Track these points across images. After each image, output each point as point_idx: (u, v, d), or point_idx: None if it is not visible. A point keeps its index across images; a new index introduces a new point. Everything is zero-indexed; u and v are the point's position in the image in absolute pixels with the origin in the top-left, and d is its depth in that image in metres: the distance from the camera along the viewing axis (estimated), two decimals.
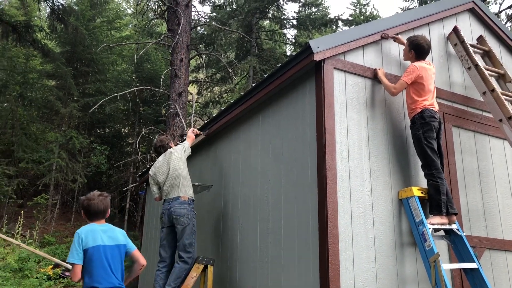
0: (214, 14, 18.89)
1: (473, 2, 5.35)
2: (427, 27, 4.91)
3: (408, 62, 4.44)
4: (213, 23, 17.01)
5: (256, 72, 18.03)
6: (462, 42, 4.88)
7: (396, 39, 4.41)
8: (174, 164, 5.13)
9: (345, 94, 3.99)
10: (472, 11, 5.39)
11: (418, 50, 4.16)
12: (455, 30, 4.97)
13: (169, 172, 5.12)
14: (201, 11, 31.04)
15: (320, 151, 3.72)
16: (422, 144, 3.91)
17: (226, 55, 16.75)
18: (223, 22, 16.74)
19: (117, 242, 3.49)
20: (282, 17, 19.77)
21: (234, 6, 18.38)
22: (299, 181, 3.98)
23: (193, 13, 16.14)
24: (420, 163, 4.06)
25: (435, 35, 4.96)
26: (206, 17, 17.76)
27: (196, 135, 5.85)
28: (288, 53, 25.92)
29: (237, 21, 17.70)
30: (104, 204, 3.57)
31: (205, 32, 18.14)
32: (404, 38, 4.52)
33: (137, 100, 13.00)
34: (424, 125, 3.94)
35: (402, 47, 4.46)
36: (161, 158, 5.35)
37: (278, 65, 4.40)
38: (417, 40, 4.17)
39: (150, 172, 5.40)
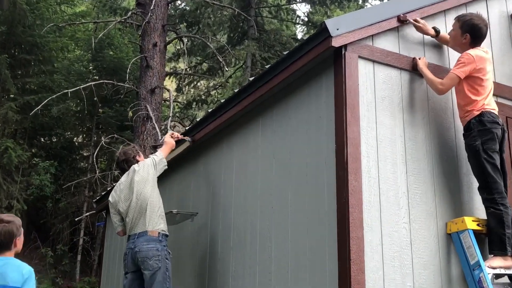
0: None
1: None
2: (484, 1, 4.96)
3: (452, 52, 4.47)
4: None
5: (255, 62, 18.14)
6: None
7: (419, 27, 4.29)
8: (138, 187, 5.10)
9: (374, 91, 4.02)
10: None
11: (474, 33, 4.19)
12: None
13: (132, 198, 5.09)
14: None
15: (341, 168, 3.73)
16: (481, 159, 3.93)
17: (215, 38, 16.88)
18: None
19: (5, 282, 3.48)
20: None
21: None
22: (313, 208, 3.98)
23: None
24: (476, 184, 4.08)
25: (495, 12, 5.01)
26: None
27: (178, 141, 5.81)
28: (299, 36, 26.11)
29: None
30: (5, 234, 3.60)
31: (188, 8, 18.29)
32: (449, 16, 4.56)
33: (95, 98, 13.04)
34: (484, 133, 3.96)
35: (449, 29, 4.49)
36: (123, 178, 5.35)
37: (285, 53, 4.44)
38: (472, 20, 4.20)
39: (110, 197, 5.40)
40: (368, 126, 3.89)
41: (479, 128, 3.98)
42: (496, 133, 3.99)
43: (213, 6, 15.27)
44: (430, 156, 4.10)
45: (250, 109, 5.08)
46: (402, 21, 4.30)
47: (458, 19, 4.30)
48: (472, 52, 4.12)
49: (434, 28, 4.39)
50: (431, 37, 4.40)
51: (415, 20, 4.32)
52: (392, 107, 4.07)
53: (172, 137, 5.64)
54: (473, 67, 4.05)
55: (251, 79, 4.99)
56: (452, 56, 4.51)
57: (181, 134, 5.95)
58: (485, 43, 4.65)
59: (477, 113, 4.03)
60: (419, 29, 4.33)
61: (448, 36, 4.41)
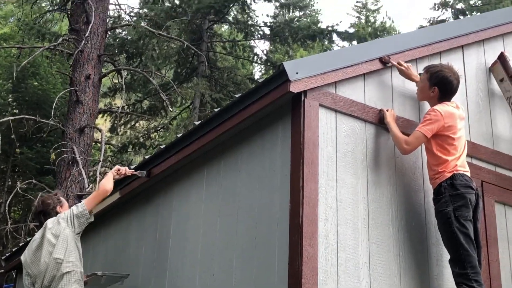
0: (145, 10, 19.25)
1: None
2: (460, 51, 5.18)
3: (425, 103, 4.61)
4: (143, 23, 17.29)
5: (204, 102, 18.28)
6: None
7: (402, 71, 4.53)
8: (48, 247, 4.88)
9: (336, 145, 4.09)
10: None
11: (444, 87, 4.31)
12: (502, 58, 5.27)
13: (42, 260, 4.87)
14: (124, 4, 31.56)
15: (295, 231, 3.73)
16: (452, 228, 3.97)
17: (159, 73, 16.92)
18: (158, 23, 17.03)
19: None
20: (249, 22, 20.39)
21: (176, 1, 18.83)
22: (261, 278, 3.95)
23: (112, 7, 16.41)
24: (447, 256, 4.13)
25: (472, 63, 5.23)
26: (132, 14, 18.06)
27: (123, 178, 5.53)
28: (257, 75, 26.55)
29: (179, 23, 18.07)
30: None
31: (129, 37, 18.36)
32: (421, 65, 4.72)
33: (12, 136, 12.76)
34: (456, 199, 4.02)
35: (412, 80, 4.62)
36: (37, 234, 5.17)
37: (237, 96, 4.49)
38: (442, 72, 4.33)
39: (22, 256, 5.22)
40: (327, 184, 3.93)
41: (450, 193, 4.03)
42: (470, 198, 4.04)
43: (159, 37, 15.35)
44: (395, 222, 4.16)
45: (194, 157, 5.08)
46: (384, 63, 4.45)
47: (427, 70, 4.41)
48: (440, 108, 4.20)
49: (419, 74, 4.55)
50: (413, 81, 4.55)
51: (399, 63, 4.50)
52: (355, 164, 4.14)
53: (118, 174, 5.31)
54: (440, 124, 4.13)
55: (197, 123, 5.00)
56: (426, 109, 4.62)
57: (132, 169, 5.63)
58: (460, 98, 4.84)
59: (448, 175, 4.09)
60: (402, 72, 4.50)
61: None
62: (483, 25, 5.35)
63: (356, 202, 4.03)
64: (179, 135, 5.26)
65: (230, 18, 20.84)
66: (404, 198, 4.27)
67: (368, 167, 4.19)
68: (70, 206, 5.35)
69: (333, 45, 23.03)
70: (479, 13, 23.61)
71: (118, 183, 5.76)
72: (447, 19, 26.26)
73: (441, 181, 4.10)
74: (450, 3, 26.57)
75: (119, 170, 5.31)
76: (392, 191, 4.24)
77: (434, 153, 4.17)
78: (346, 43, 21.67)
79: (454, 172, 4.09)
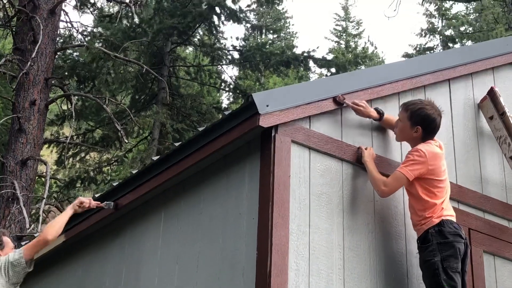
0: (100, 29, 19.27)
1: None
2: (446, 85, 5.29)
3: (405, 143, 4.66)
4: (97, 44, 17.26)
5: (165, 133, 18.24)
6: (503, 114, 5.27)
7: (359, 111, 4.45)
8: None
9: (309, 186, 4.11)
10: None
11: (427, 125, 4.32)
12: (492, 93, 5.38)
13: None
14: (76, 22, 31.36)
15: (262, 283, 3.72)
16: (440, 280, 3.98)
17: (114, 100, 16.88)
18: (114, 44, 17.04)
19: None
20: (217, 45, 20.50)
21: (136, 20, 18.89)
22: None
23: (62, 25, 16.37)
24: None
25: (459, 99, 5.33)
26: (86, 33, 18.07)
27: (87, 210, 5.28)
28: (225, 104, 26.60)
29: (138, 45, 18.11)
30: None
31: (81, 59, 18.31)
32: (403, 99, 4.79)
33: None
34: (445, 248, 4.05)
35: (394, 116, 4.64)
36: None
37: (201, 129, 4.50)
38: (424, 109, 4.33)
39: None
40: (299, 230, 3.93)
41: (439, 241, 4.06)
42: (459, 248, 4.07)
43: (115, 59, 15.33)
44: (374, 273, 4.17)
45: (150, 197, 5.06)
46: (339, 103, 4.39)
47: (406, 108, 4.39)
48: (424, 148, 4.22)
49: (376, 109, 4.55)
50: (374, 120, 4.57)
51: (354, 103, 4.44)
52: (330, 208, 4.16)
53: (80, 207, 5.07)
54: (425, 167, 4.16)
55: (155, 158, 5.00)
56: (408, 147, 4.65)
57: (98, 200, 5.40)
58: (446, 136, 4.92)
59: (436, 221, 4.12)
60: (359, 112, 4.47)
61: (394, 120, 4.56)
62: (472, 57, 5.46)
63: (331, 250, 4.03)
64: (134, 171, 5.23)
65: (196, 40, 20.96)
66: (383, 246, 4.30)
67: (345, 211, 4.22)
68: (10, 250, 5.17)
69: (309, 72, 23.30)
70: (469, 41, 24.19)
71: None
72: (434, 47, 26.83)
73: (428, 227, 4.12)
74: (438, 29, 27.17)
75: (82, 203, 5.09)
76: (371, 238, 4.26)
77: (420, 197, 4.18)
78: (324, 71, 21.95)
79: (443, 218, 4.13)
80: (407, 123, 4.36)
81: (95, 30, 19.42)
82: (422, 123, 4.31)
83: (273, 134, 4.04)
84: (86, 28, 19.22)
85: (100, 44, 17.59)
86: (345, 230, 4.16)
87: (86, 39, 17.74)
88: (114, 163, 20.08)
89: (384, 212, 4.41)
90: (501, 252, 4.89)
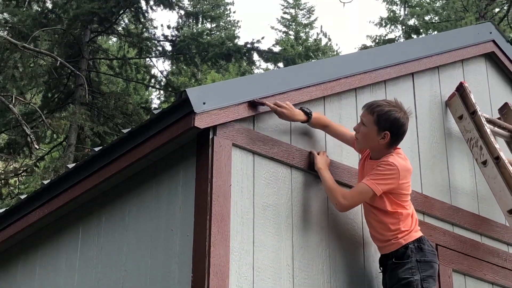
0: (5, 16, 18.95)
1: (494, 42, 6.00)
2: (410, 80, 5.37)
3: None
4: (1, 33, 16.98)
5: (83, 138, 18.04)
6: (473, 113, 5.34)
7: (282, 114, 4.34)
8: None
9: (253, 197, 4.11)
10: (490, 58, 6.02)
11: (397, 131, 4.28)
12: (461, 89, 5.45)
13: None
14: None
15: None
16: None
17: (22, 99, 16.64)
18: (22, 33, 16.79)
19: None
20: (144, 35, 20.37)
21: (48, 4, 18.66)
22: None
23: None
24: None
25: (425, 95, 5.42)
26: None
27: None
28: (155, 103, 26.44)
29: (51, 34, 17.87)
30: None
31: None
32: (361, 96, 4.83)
33: None
34: (425, 267, 4.11)
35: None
36: None
37: (125, 131, 4.46)
38: (392, 112, 4.27)
39: None
40: (241, 248, 3.93)
41: (418, 258, 4.12)
42: (436, 269, 4.18)
43: (23, 50, 15.10)
44: None
45: (66, 211, 5.00)
46: (254, 106, 4.26)
47: (371, 110, 4.31)
48: (397, 162, 4.22)
49: (302, 109, 4.45)
50: (302, 122, 4.47)
51: (277, 104, 4.30)
52: (278, 222, 4.16)
53: None
54: (396, 183, 4.19)
55: (71, 166, 4.93)
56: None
57: None
58: (410, 138, 5.00)
59: (416, 235, 4.20)
60: (282, 115, 4.32)
61: (325, 119, 4.57)
62: (438, 48, 5.55)
63: (279, 271, 4.03)
64: (45, 182, 5.15)
65: (120, 29, 20.77)
66: (340, 266, 4.32)
67: (294, 226, 4.23)
68: None
69: (253, 67, 23.36)
70: (435, 32, 24.61)
71: None
72: (396, 38, 27.21)
73: (407, 242, 4.15)
74: (400, 18, 27.56)
75: None
76: (324, 257, 4.28)
77: (389, 211, 4.21)
78: (270, 65, 22.05)
79: (422, 235, 4.22)
80: (373, 128, 4.27)
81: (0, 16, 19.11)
82: (391, 128, 4.26)
83: (211, 137, 4.03)
84: None
85: (6, 33, 17.32)
86: (295, 247, 4.17)
87: None
88: (22, 174, 19.72)
89: (340, 227, 4.44)
90: (473, 271, 4.98)
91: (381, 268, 4.29)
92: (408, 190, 4.29)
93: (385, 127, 4.24)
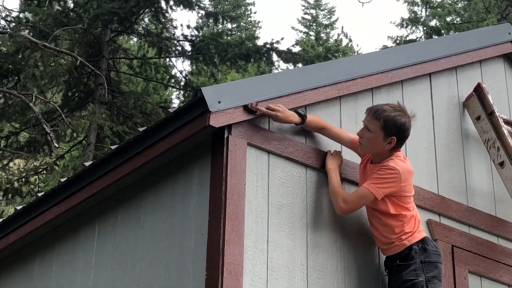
0: (27, 14, 19.04)
1: None
2: (427, 80, 5.36)
3: None
4: (23, 32, 17.07)
5: (103, 137, 18.11)
6: (491, 114, 5.34)
7: (276, 117, 4.24)
8: None
9: (268, 196, 4.11)
10: (508, 59, 6.02)
11: (402, 135, 4.29)
12: (479, 90, 5.45)
13: None
14: None
15: None
16: None
17: (42, 98, 16.71)
18: (43, 32, 16.88)
19: None
20: (164, 35, 20.40)
21: (69, 4, 18.74)
22: None
23: None
24: None
25: (442, 96, 5.41)
26: (9, 18, 17.87)
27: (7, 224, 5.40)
28: (175, 104, 26.44)
29: (71, 33, 17.95)
30: None
31: (4, 49, 18.09)
32: (378, 96, 4.81)
33: None
34: (429, 268, 4.11)
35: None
36: None
37: (141, 129, 4.47)
38: (398, 117, 4.25)
39: None
40: (255, 247, 3.93)
41: (422, 259, 4.11)
42: (441, 271, 4.17)
43: (44, 49, 15.17)
44: None
45: (82, 209, 5.03)
46: (250, 111, 4.16)
47: (377, 116, 4.26)
48: (399, 165, 4.21)
49: (297, 112, 4.38)
50: (296, 125, 4.40)
51: (269, 108, 4.23)
52: (292, 221, 4.16)
53: None
54: (397, 187, 4.19)
55: (88, 164, 4.95)
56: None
57: None
58: (427, 139, 4.98)
59: (419, 236, 4.18)
60: (276, 118, 4.26)
61: (322, 122, 4.52)
62: (457, 49, 5.54)
63: (293, 271, 4.03)
64: (63, 180, 5.18)
65: (140, 29, 20.83)
66: (353, 266, 4.32)
67: (309, 226, 4.22)
68: None
69: (272, 68, 23.30)
70: (456, 33, 24.48)
71: None
72: (417, 39, 27.08)
73: (411, 243, 4.15)
74: (421, 19, 27.43)
75: None
76: (339, 257, 4.27)
77: (392, 213, 4.21)
78: (290, 66, 21.98)
79: (425, 235, 4.21)
80: (380, 134, 4.24)
81: (21, 15, 19.19)
82: (397, 133, 4.25)
83: (226, 136, 4.03)
84: (11, 12, 19.05)
85: (27, 32, 17.41)
86: (309, 247, 4.17)
87: (10, 25, 17.54)
88: (42, 172, 19.83)
89: (354, 227, 4.43)
90: (489, 273, 4.95)
91: (387, 271, 4.30)
92: (411, 192, 4.28)
93: (391, 133, 4.23)
